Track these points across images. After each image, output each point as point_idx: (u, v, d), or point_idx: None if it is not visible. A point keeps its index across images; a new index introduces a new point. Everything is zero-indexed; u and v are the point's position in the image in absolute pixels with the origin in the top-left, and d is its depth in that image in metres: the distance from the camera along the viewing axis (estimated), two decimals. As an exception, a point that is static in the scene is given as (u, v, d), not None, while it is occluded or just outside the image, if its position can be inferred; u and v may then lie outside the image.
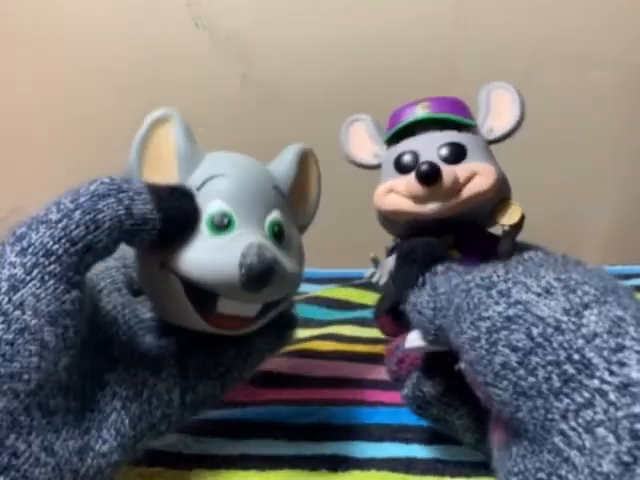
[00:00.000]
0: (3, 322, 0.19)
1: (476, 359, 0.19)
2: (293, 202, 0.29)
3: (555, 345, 0.17)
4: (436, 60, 0.67)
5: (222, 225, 0.24)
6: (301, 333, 0.44)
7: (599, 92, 0.67)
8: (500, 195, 0.27)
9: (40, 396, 0.20)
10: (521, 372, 0.17)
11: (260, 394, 0.35)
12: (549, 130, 0.67)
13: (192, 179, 0.26)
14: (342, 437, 0.30)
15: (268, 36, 0.68)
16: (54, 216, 0.21)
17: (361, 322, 0.44)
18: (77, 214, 0.21)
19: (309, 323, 0.46)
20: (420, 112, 0.28)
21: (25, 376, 0.19)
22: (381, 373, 0.34)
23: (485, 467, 0.26)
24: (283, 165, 0.29)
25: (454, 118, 0.27)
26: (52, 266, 0.20)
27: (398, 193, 0.27)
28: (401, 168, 0.27)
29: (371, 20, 0.66)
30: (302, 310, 0.47)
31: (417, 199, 0.26)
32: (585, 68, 0.66)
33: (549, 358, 0.17)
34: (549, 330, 0.17)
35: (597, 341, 0.16)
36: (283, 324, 0.29)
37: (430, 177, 0.25)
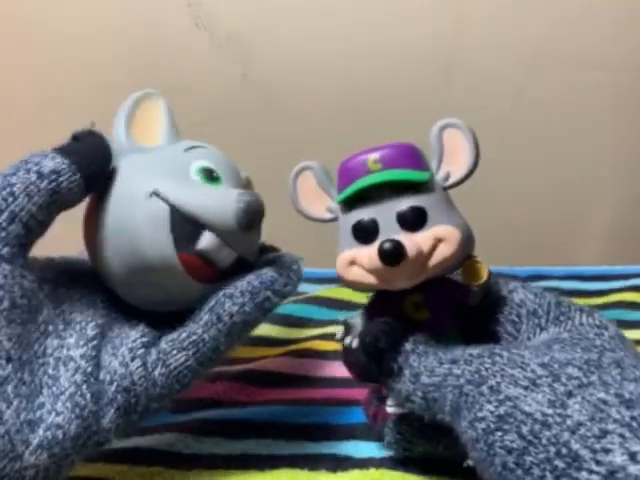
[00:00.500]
0: None
1: (479, 459, 0.20)
2: None
3: (544, 442, 0.18)
4: (436, 61, 0.67)
5: (212, 177, 0.27)
6: (301, 333, 0.44)
7: (599, 93, 0.67)
8: (465, 253, 0.25)
9: None
10: (519, 472, 0.18)
11: (260, 394, 0.35)
12: (549, 130, 0.68)
13: (176, 145, 0.28)
14: (341, 437, 0.30)
15: (268, 36, 0.68)
16: None
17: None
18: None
19: (309, 323, 0.46)
20: (372, 167, 0.26)
21: None
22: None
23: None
24: None
25: (410, 178, 0.25)
26: None
27: (361, 267, 0.25)
28: (360, 238, 0.26)
29: (371, 21, 0.66)
30: (302, 310, 0.47)
31: (381, 276, 0.25)
32: (585, 69, 0.66)
33: (541, 456, 0.18)
34: (537, 427, 0.18)
35: (582, 430, 0.17)
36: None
37: (394, 257, 0.23)
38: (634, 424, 0.17)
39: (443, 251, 0.25)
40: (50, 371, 0.23)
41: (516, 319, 0.25)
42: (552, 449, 0.17)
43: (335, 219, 0.28)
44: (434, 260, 0.24)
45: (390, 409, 0.27)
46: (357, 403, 0.33)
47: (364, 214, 0.26)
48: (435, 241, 0.25)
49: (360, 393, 0.33)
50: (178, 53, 0.68)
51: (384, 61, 0.67)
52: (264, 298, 0.27)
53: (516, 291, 0.26)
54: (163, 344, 0.26)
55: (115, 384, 0.24)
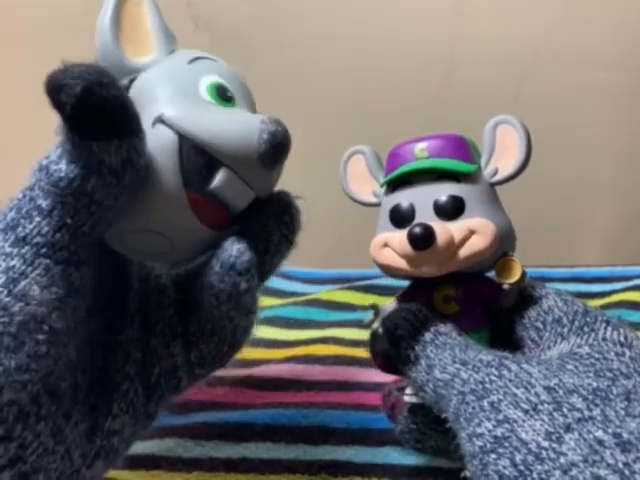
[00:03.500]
0: (3, 316, 0.17)
1: (474, 474, 0.20)
2: None
3: (535, 476, 0.17)
4: (436, 60, 0.67)
5: (226, 97, 0.22)
6: (301, 335, 0.44)
7: (599, 93, 0.66)
8: (501, 249, 0.25)
9: (49, 382, 0.19)
10: None
11: (260, 397, 0.35)
12: (549, 130, 0.67)
13: (176, 56, 0.23)
14: (342, 442, 0.30)
15: (268, 36, 0.67)
16: (44, 203, 0.19)
17: (362, 324, 0.43)
18: (70, 199, 0.18)
19: (309, 324, 0.46)
20: (418, 155, 0.26)
21: (33, 365, 0.18)
22: (383, 377, 0.34)
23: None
24: None
25: (453, 168, 0.26)
26: (58, 254, 0.19)
27: (393, 250, 0.26)
28: (396, 221, 0.26)
29: (371, 21, 0.66)
30: (302, 312, 0.47)
31: (410, 260, 0.25)
32: (586, 69, 0.66)
33: None
34: (530, 458, 0.18)
35: (573, 471, 0.17)
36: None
37: (423, 241, 0.24)
38: (626, 471, 0.17)
39: (475, 243, 0.25)
40: (98, 362, 0.21)
41: (541, 326, 0.25)
42: None
43: (379, 204, 0.28)
44: (464, 251, 0.24)
45: (407, 398, 0.27)
46: (359, 408, 0.33)
47: (403, 198, 0.26)
48: (468, 232, 0.25)
49: (362, 397, 0.34)
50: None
51: (384, 60, 0.67)
52: (233, 284, 0.21)
53: (547, 297, 0.26)
54: (193, 327, 0.23)
55: (158, 367, 0.22)
